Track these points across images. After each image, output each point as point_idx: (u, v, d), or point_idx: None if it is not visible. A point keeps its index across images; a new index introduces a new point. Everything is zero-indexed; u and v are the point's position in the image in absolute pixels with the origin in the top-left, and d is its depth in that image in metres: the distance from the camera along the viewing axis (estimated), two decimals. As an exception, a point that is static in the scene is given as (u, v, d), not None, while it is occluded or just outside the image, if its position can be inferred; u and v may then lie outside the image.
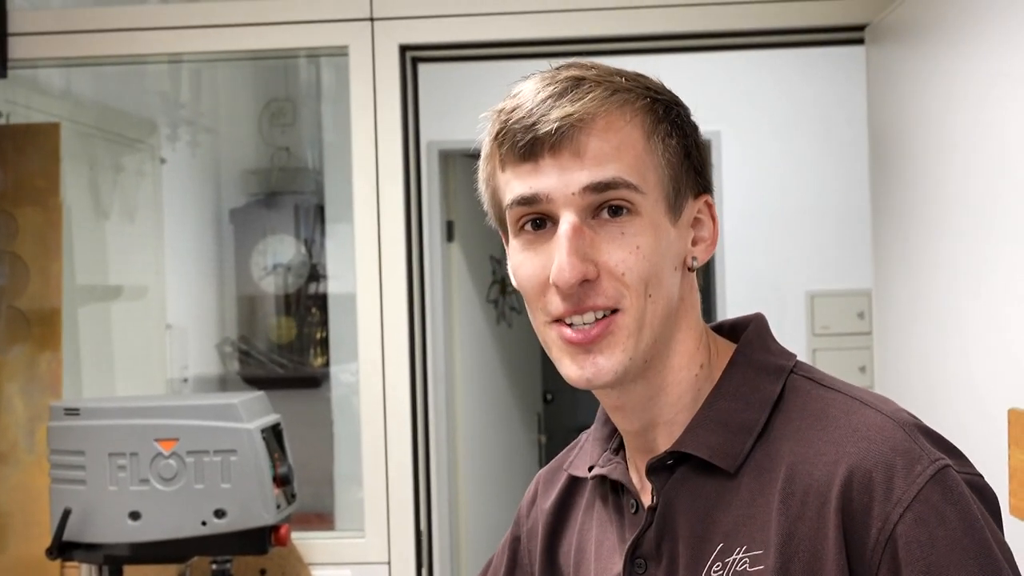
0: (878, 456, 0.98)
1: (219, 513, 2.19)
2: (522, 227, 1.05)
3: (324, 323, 3.79)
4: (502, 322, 4.80)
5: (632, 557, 1.08)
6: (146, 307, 3.55)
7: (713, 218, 1.10)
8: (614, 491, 1.13)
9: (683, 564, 1.05)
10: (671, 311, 1.06)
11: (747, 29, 2.65)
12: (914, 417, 1.03)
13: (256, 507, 2.20)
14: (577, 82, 1.03)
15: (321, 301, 3.82)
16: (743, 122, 4.63)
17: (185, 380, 3.70)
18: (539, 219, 1.04)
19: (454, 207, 4.42)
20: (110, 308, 3.31)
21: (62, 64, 2.88)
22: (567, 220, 1.01)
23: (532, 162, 1.02)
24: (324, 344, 3.79)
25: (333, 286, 3.57)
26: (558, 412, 6.36)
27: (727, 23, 2.62)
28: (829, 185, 4.49)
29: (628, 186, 1.02)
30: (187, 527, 2.20)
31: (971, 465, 1.03)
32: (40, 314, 2.67)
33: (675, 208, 1.06)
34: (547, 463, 1.31)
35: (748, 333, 1.12)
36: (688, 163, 1.07)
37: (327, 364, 3.57)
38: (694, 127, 1.09)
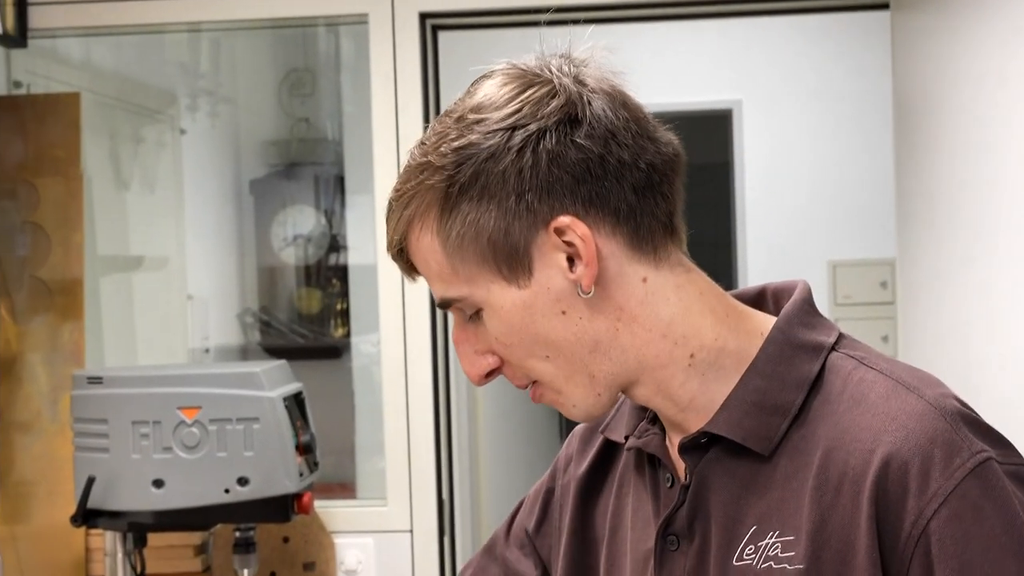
0: (916, 446, 0.94)
1: (242, 481, 2.19)
2: None
3: (344, 294, 3.79)
4: (522, 293, 4.79)
5: (664, 533, 1.06)
6: (167, 277, 3.55)
7: (580, 235, 0.99)
8: (650, 463, 1.10)
9: (715, 544, 1.03)
10: (593, 344, 1.01)
11: (770, -5, 2.62)
12: (960, 403, 0.99)
13: (279, 475, 2.20)
14: (388, 207, 1.05)
15: (341, 272, 3.82)
16: (764, 91, 4.60)
17: (207, 350, 3.71)
18: None
19: (474, 177, 4.40)
20: (131, 278, 3.32)
21: (81, 33, 2.87)
22: (454, 325, 1.06)
23: None
24: (345, 315, 3.79)
25: (353, 257, 3.57)
26: (578, 383, 6.36)
27: (750, -11, 2.60)
28: (851, 154, 4.47)
29: (453, 301, 1.02)
30: (210, 495, 2.20)
31: (1018, 455, 0.98)
32: (62, 284, 2.68)
33: (517, 268, 1.00)
34: (568, 431, 1.29)
35: (788, 307, 1.06)
36: (507, 213, 0.98)
37: (348, 335, 3.57)
38: (507, 158, 0.98)
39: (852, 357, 1.03)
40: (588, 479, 1.20)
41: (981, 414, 1.01)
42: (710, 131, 4.95)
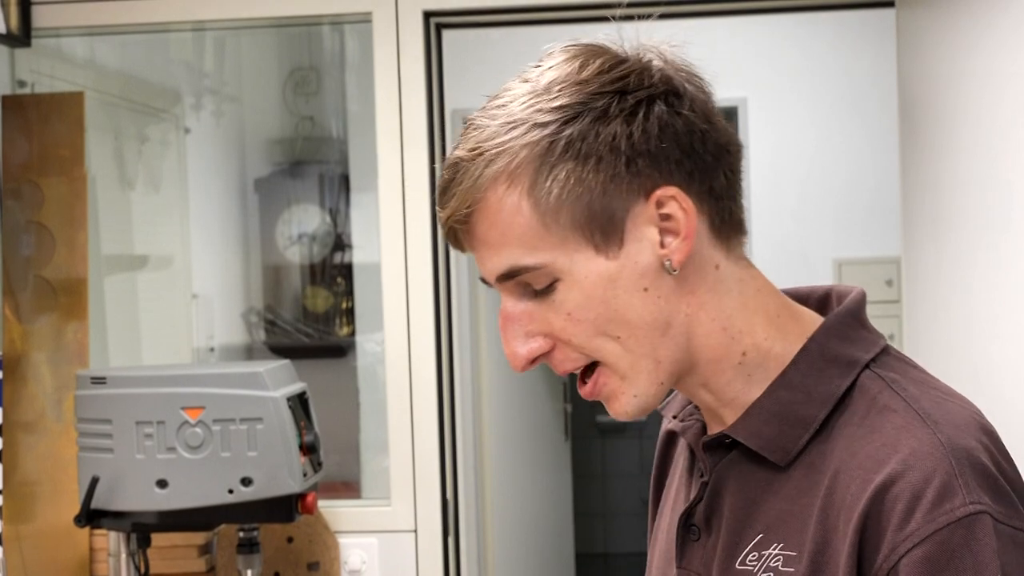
0: (910, 482, 0.91)
1: (246, 481, 2.19)
2: None
3: (349, 292, 3.79)
4: (527, 291, 4.78)
5: (686, 522, 1.07)
6: (172, 277, 3.55)
7: (682, 207, 0.97)
8: (691, 448, 1.10)
9: (722, 545, 1.03)
10: (664, 326, 0.99)
11: (775, -7, 2.62)
12: (982, 443, 0.95)
13: (282, 475, 2.20)
14: (453, 169, 0.98)
15: (346, 270, 3.82)
16: (770, 88, 4.59)
17: (211, 349, 3.71)
18: None
19: (479, 176, 4.39)
20: (136, 278, 3.31)
21: (85, 33, 2.87)
22: (503, 305, 1.01)
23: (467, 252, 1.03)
24: (350, 313, 3.79)
25: (358, 255, 3.57)
26: (584, 381, 6.36)
27: (755, -13, 2.59)
28: (857, 151, 4.46)
29: (527, 270, 0.97)
30: (214, 495, 2.20)
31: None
32: (66, 284, 2.68)
33: (609, 237, 0.97)
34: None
35: (832, 317, 1.03)
36: (608, 178, 0.96)
37: (353, 333, 3.57)
38: (615, 123, 0.96)
39: (883, 378, 1.00)
40: (661, 453, 1.22)
41: (985, 412, 0.99)
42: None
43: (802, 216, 4.54)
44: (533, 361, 1.01)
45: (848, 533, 0.93)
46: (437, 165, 2.65)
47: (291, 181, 3.91)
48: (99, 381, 2.27)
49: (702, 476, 1.06)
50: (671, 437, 1.21)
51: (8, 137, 2.70)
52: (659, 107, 0.98)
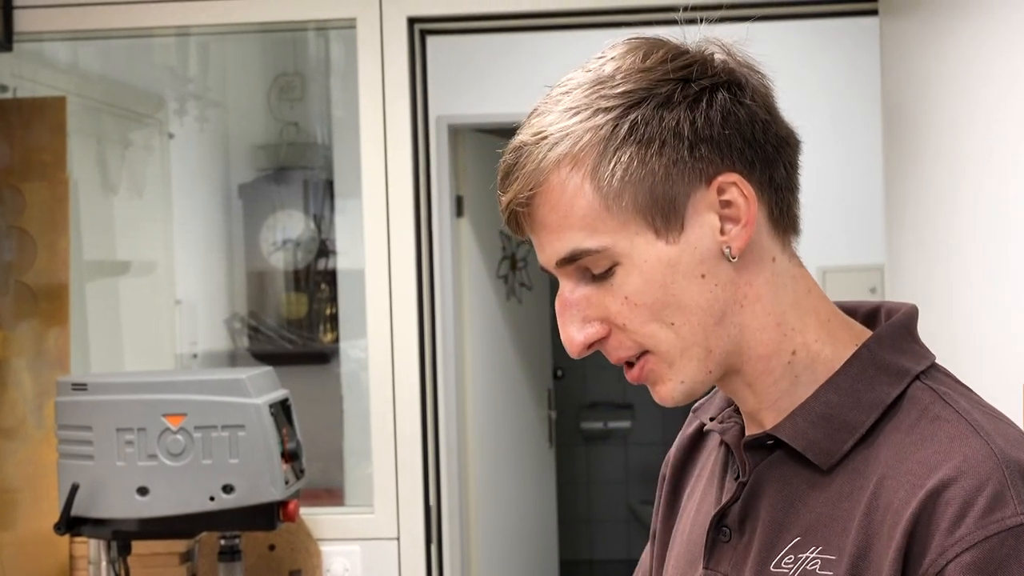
0: (962, 488, 0.91)
1: (227, 488, 2.18)
2: None
3: (333, 299, 3.78)
4: (512, 298, 4.78)
5: (718, 523, 1.06)
6: (155, 282, 3.54)
7: (743, 194, 0.99)
8: (728, 450, 1.10)
9: (757, 547, 1.02)
10: (719, 316, 0.99)
11: (758, 0, 2.62)
12: None
13: (264, 482, 2.19)
14: (516, 153, 0.99)
15: (330, 277, 3.81)
16: (755, 96, 4.59)
17: (194, 356, 3.69)
18: None
19: (463, 182, 4.39)
20: (118, 283, 3.30)
21: (68, 37, 2.86)
22: (561, 290, 1.01)
23: (526, 237, 1.03)
24: (334, 320, 3.78)
25: (342, 262, 3.56)
26: (569, 388, 6.36)
27: (739, -5, 2.59)
28: (841, 159, 4.47)
29: (588, 253, 0.98)
30: (195, 502, 2.19)
31: None
32: (47, 289, 2.66)
33: (670, 222, 0.98)
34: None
35: (885, 326, 1.03)
36: (671, 163, 0.97)
37: (337, 340, 3.56)
38: (678, 109, 0.97)
39: (934, 390, 1.00)
40: (682, 456, 1.21)
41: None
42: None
43: (787, 223, 4.54)
44: (589, 347, 1.01)
45: (895, 536, 0.92)
46: (421, 171, 2.65)
47: (275, 187, 3.90)
48: (80, 387, 2.26)
49: (738, 477, 1.06)
50: (696, 440, 1.21)
51: (-11, 142, 2.69)
52: (722, 95, 0.99)
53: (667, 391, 1.02)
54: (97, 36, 2.85)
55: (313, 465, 2.45)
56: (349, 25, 2.66)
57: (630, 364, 1.03)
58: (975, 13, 2.03)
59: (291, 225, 3.90)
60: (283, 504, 2.22)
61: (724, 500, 1.06)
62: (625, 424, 6.29)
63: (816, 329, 1.03)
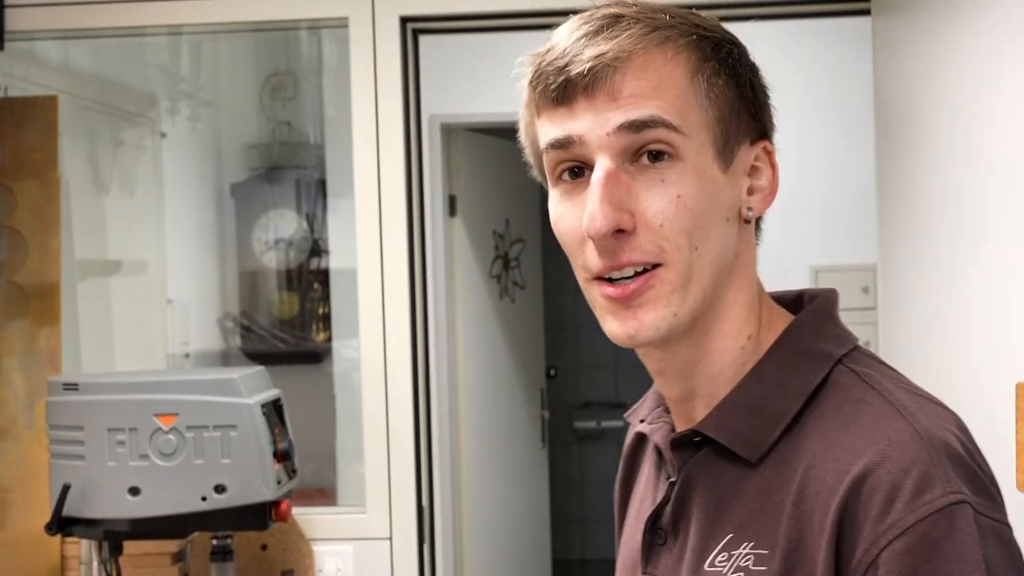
0: (888, 472, 0.89)
1: (219, 488, 2.17)
2: (560, 176, 0.99)
3: (326, 298, 3.77)
4: (505, 297, 4.78)
5: (652, 527, 1.05)
6: (147, 282, 3.53)
7: (773, 165, 1.03)
8: (660, 453, 1.08)
9: (691, 547, 1.00)
10: (723, 267, 0.99)
11: (751, 0, 2.61)
12: (960, 440, 0.93)
13: (256, 482, 2.18)
14: (615, 20, 0.97)
15: (323, 276, 3.81)
16: (747, 96, 4.60)
17: (186, 355, 3.69)
18: (577, 167, 0.98)
19: (456, 181, 4.39)
20: (110, 283, 3.29)
21: (60, 36, 2.85)
22: (601, 165, 0.95)
23: (566, 105, 0.96)
24: (326, 319, 3.77)
25: (335, 261, 3.55)
26: (561, 387, 6.35)
27: (732, -6, 2.59)
28: (834, 159, 4.47)
29: (668, 126, 0.95)
30: (187, 502, 2.18)
31: (1002, 511, 0.92)
32: (39, 289, 2.66)
33: (725, 153, 0.98)
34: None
35: (804, 312, 1.03)
36: (741, 105, 1.00)
37: (329, 339, 3.55)
38: (751, 68, 1.02)
39: (856, 373, 0.99)
40: (625, 466, 1.22)
41: (963, 419, 0.97)
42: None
43: (779, 222, 4.54)
44: (612, 234, 0.95)
45: (826, 527, 0.90)
46: (413, 170, 2.64)
47: (268, 186, 3.90)
48: (71, 387, 2.25)
49: (669, 477, 1.04)
50: (638, 444, 1.20)
51: (-20, 141, 2.68)
52: (764, 76, 1.05)
53: (652, 320, 0.97)
54: (89, 35, 2.85)
55: (305, 465, 2.45)
56: (341, 24, 2.66)
57: (625, 280, 0.97)
58: (967, 13, 2.03)
59: (283, 224, 3.89)
60: (275, 504, 2.21)
61: (657, 503, 1.05)
62: (618, 423, 6.29)
63: (766, 320, 1.03)
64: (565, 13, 2.85)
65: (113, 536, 2.25)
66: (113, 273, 3.31)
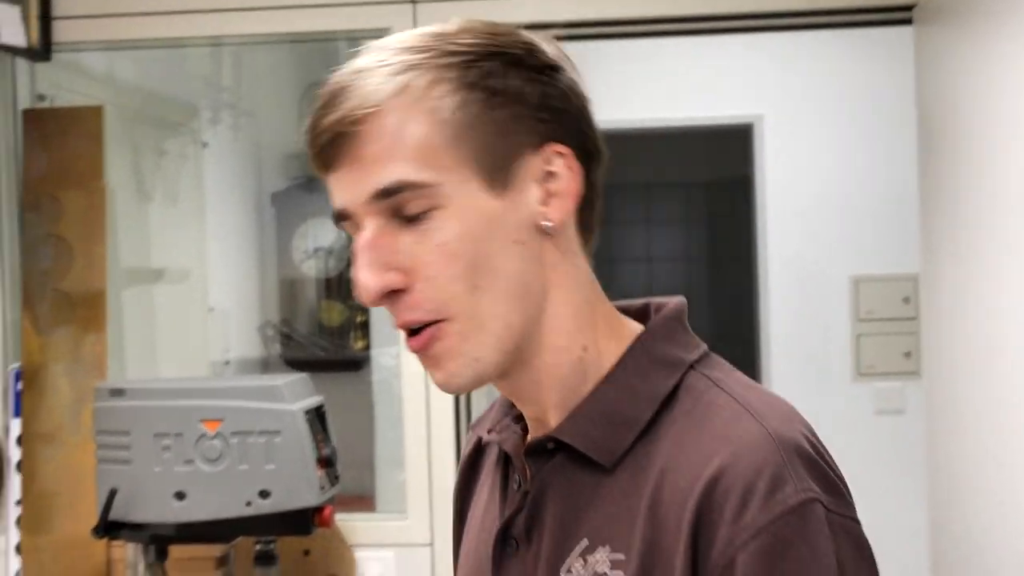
0: (740, 474, 0.89)
1: (263, 494, 2.19)
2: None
3: (364, 307, 3.80)
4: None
5: (503, 536, 1.03)
6: (189, 290, 3.56)
7: (569, 167, 0.97)
8: (507, 462, 1.07)
9: (545, 554, 0.99)
10: (528, 289, 0.96)
11: (791, 10, 2.62)
12: (810, 441, 0.94)
13: (300, 488, 2.20)
14: (352, 76, 0.94)
15: (362, 284, 3.83)
16: (786, 106, 4.59)
17: (227, 363, 3.72)
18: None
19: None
20: (153, 290, 3.33)
21: (105, 47, 2.89)
22: (365, 231, 0.94)
23: (329, 173, 0.96)
24: (365, 327, 3.80)
25: (374, 269, 3.57)
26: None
27: (771, 4, 2.60)
28: (873, 169, 4.46)
29: (413, 187, 0.92)
30: (232, 508, 2.20)
31: (851, 508, 0.93)
32: (84, 296, 2.69)
33: (499, 176, 0.95)
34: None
35: (655, 319, 1.03)
36: (511, 119, 0.95)
37: (368, 347, 3.57)
38: (528, 75, 0.96)
39: (708, 377, 0.99)
40: (463, 476, 1.20)
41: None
42: (732, 145, 4.94)
43: (819, 232, 4.53)
44: (384, 297, 0.95)
45: (682, 529, 0.91)
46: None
47: (308, 195, 3.93)
48: (118, 393, 2.28)
49: (520, 486, 1.03)
50: (476, 454, 1.19)
51: (28, 150, 2.72)
52: (565, 76, 0.99)
53: (455, 368, 0.96)
54: (133, 46, 2.88)
55: (345, 472, 2.47)
56: (382, 35, 2.67)
57: (413, 333, 0.96)
58: (1010, 22, 2.02)
59: (323, 233, 3.92)
60: (318, 509, 2.23)
61: (508, 512, 1.03)
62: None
63: (604, 327, 1.02)
64: (604, 24, 2.85)
65: (159, 540, 2.27)
66: (156, 281, 3.35)
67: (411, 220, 0.94)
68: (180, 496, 2.21)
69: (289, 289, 4.01)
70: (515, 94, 0.95)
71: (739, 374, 1.02)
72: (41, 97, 2.82)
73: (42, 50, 2.67)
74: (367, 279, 0.94)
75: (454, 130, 0.93)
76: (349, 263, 3.88)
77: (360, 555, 2.61)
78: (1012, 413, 1.93)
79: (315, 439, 2.25)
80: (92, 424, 2.32)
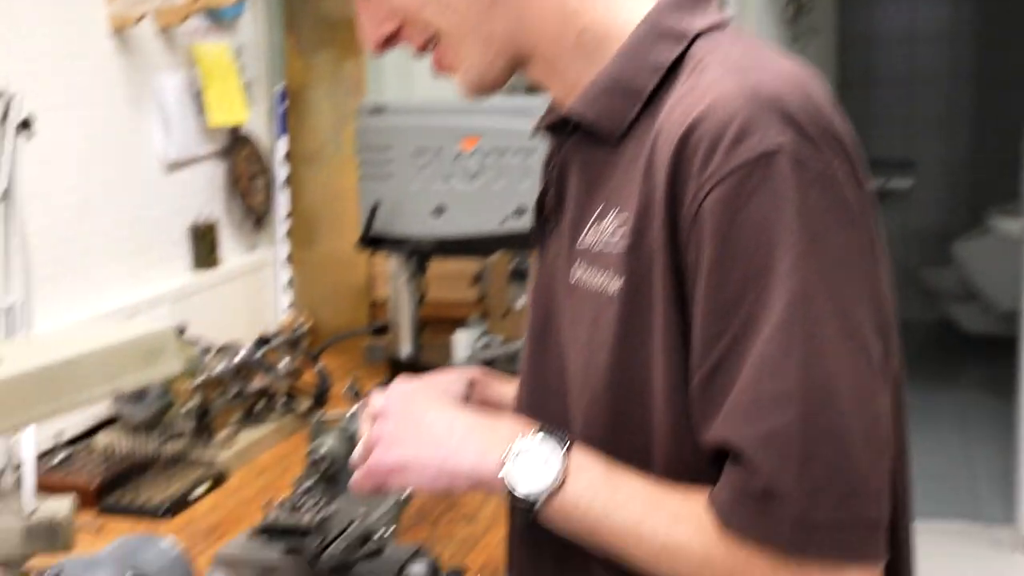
0: (711, 126, 0.90)
1: (519, 211, 2.22)
2: None
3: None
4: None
5: (539, 210, 1.11)
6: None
7: None
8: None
9: (568, 227, 1.05)
10: (491, 1, 1.02)
11: None
12: (803, 94, 0.91)
13: (555, 207, 2.21)
14: None
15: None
16: None
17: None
18: None
19: None
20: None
21: None
22: None
23: None
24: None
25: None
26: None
27: None
28: None
29: None
30: (488, 224, 2.25)
31: (837, 160, 0.90)
32: (344, 20, 2.72)
33: None
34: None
35: None
36: None
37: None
38: None
39: (709, 44, 0.99)
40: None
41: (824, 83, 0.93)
42: None
43: None
44: (388, 42, 1.07)
45: (662, 183, 0.93)
46: None
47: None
48: (379, 110, 2.32)
49: (549, 165, 1.10)
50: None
51: None
52: None
53: (461, 80, 1.06)
54: None
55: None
56: None
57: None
58: None
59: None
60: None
61: (540, 189, 1.11)
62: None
63: (604, 5, 1.02)
64: None
65: (419, 254, 2.35)
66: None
67: None
68: (439, 211, 2.27)
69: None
70: None
71: (754, 41, 1.00)
72: None
73: None
74: (368, 33, 1.07)
75: None
76: None
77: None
78: None
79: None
80: (353, 144, 2.38)
